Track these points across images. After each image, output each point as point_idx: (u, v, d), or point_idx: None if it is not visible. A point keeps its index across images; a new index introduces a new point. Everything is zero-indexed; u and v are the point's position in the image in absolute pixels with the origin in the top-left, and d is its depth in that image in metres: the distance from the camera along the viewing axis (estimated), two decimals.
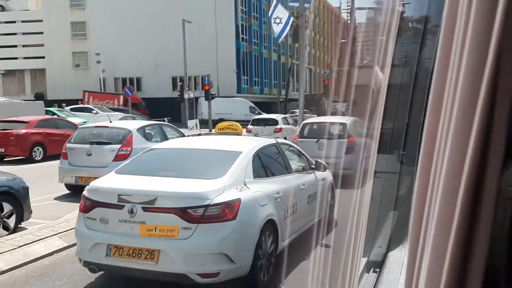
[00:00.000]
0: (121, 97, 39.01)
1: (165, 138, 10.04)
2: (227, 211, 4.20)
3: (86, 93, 40.41)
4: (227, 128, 10.12)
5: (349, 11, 58.29)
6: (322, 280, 4.83)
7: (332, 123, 12.18)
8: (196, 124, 25.05)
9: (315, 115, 27.76)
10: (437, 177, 0.60)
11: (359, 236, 2.27)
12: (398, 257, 2.38)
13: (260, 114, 28.80)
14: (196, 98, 35.31)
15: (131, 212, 4.24)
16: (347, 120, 11.60)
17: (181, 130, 12.71)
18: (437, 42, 0.64)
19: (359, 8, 44.42)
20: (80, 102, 35.76)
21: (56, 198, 9.55)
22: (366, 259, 2.58)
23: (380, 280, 2.30)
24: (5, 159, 15.82)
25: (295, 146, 6.99)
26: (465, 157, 0.55)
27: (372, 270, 2.47)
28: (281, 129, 19.97)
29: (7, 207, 6.60)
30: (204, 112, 33.17)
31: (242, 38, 46.72)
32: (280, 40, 30.68)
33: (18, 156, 15.69)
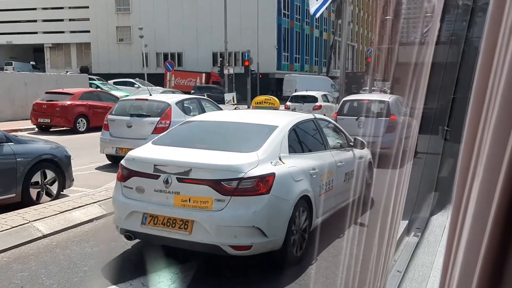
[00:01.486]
0: (203, 75, 39.45)
1: (203, 112, 10.08)
2: (260, 185, 4.16)
3: (168, 72, 40.45)
4: (264, 102, 10.00)
5: None
6: (355, 256, 4.75)
7: (373, 101, 11.87)
8: (233, 98, 24.97)
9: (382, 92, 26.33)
10: (482, 149, 0.60)
11: (396, 215, 2.19)
12: (440, 221, 2.34)
13: (337, 92, 28.25)
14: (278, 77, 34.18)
15: (166, 182, 4.27)
16: (389, 98, 11.26)
17: (220, 105, 12.74)
18: (486, 20, 0.61)
19: None
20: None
21: (97, 168, 9.84)
22: (406, 224, 2.54)
23: (421, 241, 2.26)
24: (51, 129, 16.44)
25: (333, 122, 6.83)
26: (509, 136, 0.54)
27: (413, 234, 2.44)
28: (320, 106, 19.66)
29: (50, 175, 6.84)
30: (299, 89, 32.01)
31: (284, 13, 46.05)
32: (317, 15, 29.85)
33: (63, 127, 16.25)
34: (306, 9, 49.36)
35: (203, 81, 39.33)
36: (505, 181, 0.54)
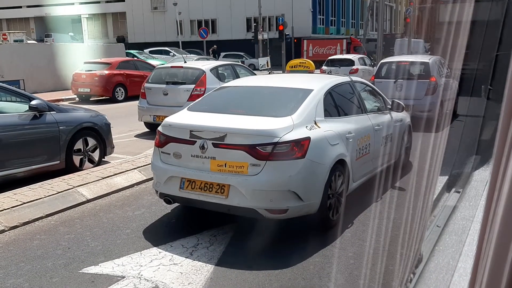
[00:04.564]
0: (344, 41, 37.16)
1: (237, 78, 10.05)
2: (296, 149, 4.15)
3: (305, 41, 38.55)
4: (299, 65, 9.86)
5: None
6: (393, 220, 4.71)
7: (412, 63, 11.47)
8: (267, 62, 24.69)
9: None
10: None
11: (434, 175, 2.15)
12: (482, 177, 2.30)
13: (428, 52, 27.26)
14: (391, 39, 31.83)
15: (202, 147, 4.32)
16: (429, 59, 10.85)
17: (255, 72, 12.67)
18: None
19: None
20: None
21: (136, 135, 10.08)
22: (445, 182, 2.51)
23: (462, 197, 2.23)
24: (91, 99, 16.87)
25: (371, 85, 6.66)
26: None
27: (454, 190, 2.40)
28: (357, 69, 19.21)
29: (91, 142, 7.06)
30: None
31: None
32: None
33: (102, 96, 16.63)
34: None
35: (344, 47, 36.75)
36: None
